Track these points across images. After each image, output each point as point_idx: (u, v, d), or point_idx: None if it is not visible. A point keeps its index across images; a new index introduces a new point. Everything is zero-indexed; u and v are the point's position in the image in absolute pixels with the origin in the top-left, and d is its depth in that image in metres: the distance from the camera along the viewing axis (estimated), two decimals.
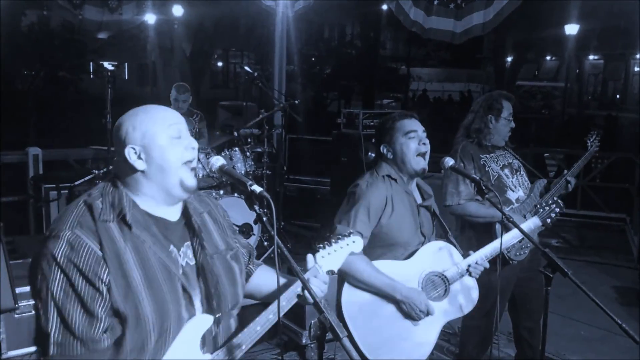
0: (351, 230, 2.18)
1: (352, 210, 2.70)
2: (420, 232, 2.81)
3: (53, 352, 1.55)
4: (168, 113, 1.76)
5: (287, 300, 1.87)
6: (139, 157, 1.68)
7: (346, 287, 2.68)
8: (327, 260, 2.00)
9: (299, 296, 1.89)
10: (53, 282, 1.55)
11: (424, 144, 2.76)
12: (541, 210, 3.30)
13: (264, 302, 1.97)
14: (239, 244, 1.97)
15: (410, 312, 2.65)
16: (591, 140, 3.87)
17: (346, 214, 2.71)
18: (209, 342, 1.76)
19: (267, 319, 1.81)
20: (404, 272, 2.71)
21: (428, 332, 2.72)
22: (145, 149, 1.68)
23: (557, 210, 3.27)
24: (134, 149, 1.68)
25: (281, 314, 1.77)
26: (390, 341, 2.66)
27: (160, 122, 1.71)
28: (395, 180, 2.80)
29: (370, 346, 2.62)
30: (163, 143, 1.69)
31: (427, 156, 2.79)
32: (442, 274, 2.77)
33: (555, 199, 3.34)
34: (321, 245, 2.02)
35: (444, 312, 2.76)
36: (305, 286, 1.67)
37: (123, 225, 1.64)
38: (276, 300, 1.75)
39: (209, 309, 1.76)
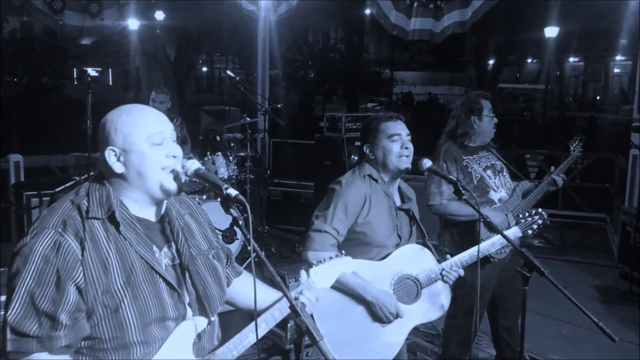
0: (343, 252, 2.20)
1: (331, 206, 2.73)
2: (397, 234, 2.82)
3: (9, 348, 1.54)
4: (153, 118, 1.72)
5: (280, 310, 1.89)
6: (118, 160, 1.66)
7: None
8: (319, 276, 2.05)
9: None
10: (24, 278, 1.54)
11: (407, 147, 2.78)
12: (523, 220, 3.30)
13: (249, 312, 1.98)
14: (218, 245, 1.97)
15: (379, 314, 2.66)
16: (574, 145, 3.94)
17: (324, 210, 2.74)
18: (201, 345, 1.76)
19: (260, 327, 1.83)
20: (376, 273, 2.72)
21: (396, 334, 2.73)
22: (124, 152, 1.66)
23: (540, 222, 3.27)
24: (114, 150, 1.66)
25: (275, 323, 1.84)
26: (356, 340, 2.67)
27: (142, 127, 1.67)
28: (376, 180, 2.82)
29: (336, 344, 2.59)
30: (143, 149, 1.66)
31: (410, 158, 2.81)
32: (415, 278, 2.78)
33: (538, 210, 3.33)
34: (315, 263, 2.07)
35: (413, 315, 2.76)
36: (281, 289, 1.67)
37: (109, 224, 1.63)
38: (268, 311, 1.83)
39: (200, 309, 1.76)
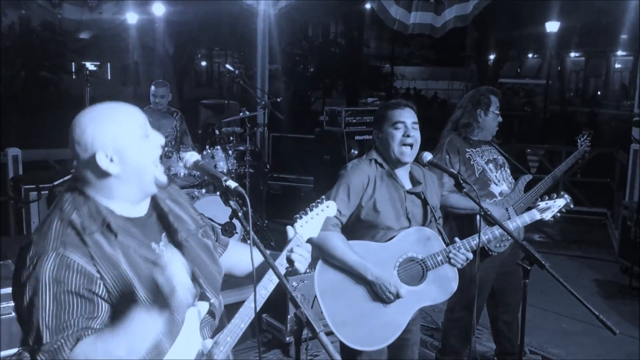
0: (323, 197, 2.21)
1: (334, 188, 2.82)
2: (405, 217, 2.82)
3: None
4: (134, 113, 1.69)
5: (270, 279, 1.86)
6: (111, 161, 1.61)
7: (320, 264, 2.73)
8: (305, 229, 2.03)
9: (287, 268, 1.91)
10: (43, 308, 1.48)
11: (409, 135, 2.77)
12: (541, 203, 3.17)
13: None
14: (204, 222, 1.95)
15: (379, 294, 2.69)
16: (582, 139, 3.93)
17: (329, 192, 2.80)
18: (207, 326, 1.77)
19: (260, 294, 1.81)
20: (380, 254, 2.74)
21: (398, 315, 2.74)
22: (117, 152, 1.61)
23: (561, 204, 3.14)
24: (104, 152, 1.60)
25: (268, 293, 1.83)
26: (357, 319, 2.70)
27: (129, 123, 1.65)
28: (381, 165, 2.85)
29: (337, 322, 2.67)
30: (135, 143, 1.64)
31: (414, 148, 2.80)
32: (420, 260, 2.78)
33: (561, 192, 3.22)
34: (298, 215, 2.05)
35: (417, 297, 2.77)
36: (281, 281, 1.66)
37: (108, 233, 1.60)
38: (265, 276, 1.82)
39: (201, 292, 1.75)
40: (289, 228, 2.02)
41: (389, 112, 2.84)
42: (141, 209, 1.73)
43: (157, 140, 1.70)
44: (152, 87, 5.84)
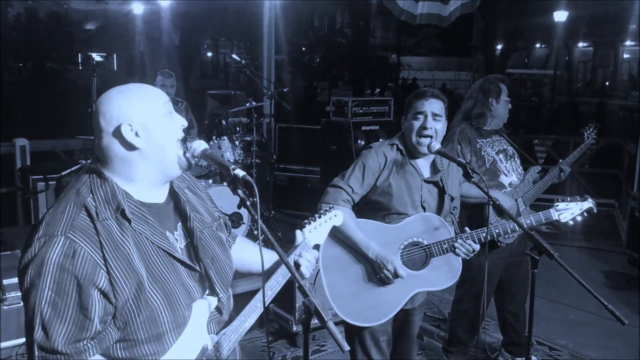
0: (331, 205, 2.24)
1: (351, 166, 2.85)
2: (420, 205, 2.83)
3: None
4: (158, 92, 1.69)
5: (283, 275, 1.88)
6: (136, 135, 1.59)
7: (326, 239, 2.72)
8: (313, 234, 2.06)
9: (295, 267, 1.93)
10: (42, 291, 1.46)
11: (425, 127, 2.76)
12: (560, 204, 2.92)
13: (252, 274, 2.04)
14: (219, 215, 1.95)
15: (378, 272, 2.72)
16: (588, 132, 3.91)
17: (347, 169, 2.85)
18: (214, 321, 1.76)
19: (270, 287, 1.84)
20: (386, 235, 2.77)
21: (396, 295, 2.77)
22: (143, 125, 1.59)
23: (583, 208, 2.90)
24: (130, 125, 1.58)
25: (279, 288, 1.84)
26: (355, 295, 2.75)
27: (155, 99, 1.65)
28: (402, 151, 2.86)
29: (334, 295, 2.73)
30: (161, 120, 1.63)
31: (433, 140, 2.76)
32: (425, 246, 2.79)
33: (585, 196, 2.94)
34: (307, 221, 2.07)
35: (417, 281, 2.78)
36: (291, 272, 1.65)
37: (122, 219, 1.57)
38: (273, 277, 1.83)
39: (211, 285, 1.74)
40: (298, 232, 2.05)
41: (412, 101, 2.85)
42: (160, 195, 1.71)
43: (180, 120, 1.69)
44: (159, 77, 5.83)
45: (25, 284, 1.49)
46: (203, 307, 1.71)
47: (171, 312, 1.59)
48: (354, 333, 2.90)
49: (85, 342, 1.49)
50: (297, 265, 1.93)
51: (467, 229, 2.82)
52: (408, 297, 2.79)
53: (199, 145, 1.71)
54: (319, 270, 2.76)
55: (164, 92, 1.74)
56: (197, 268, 1.70)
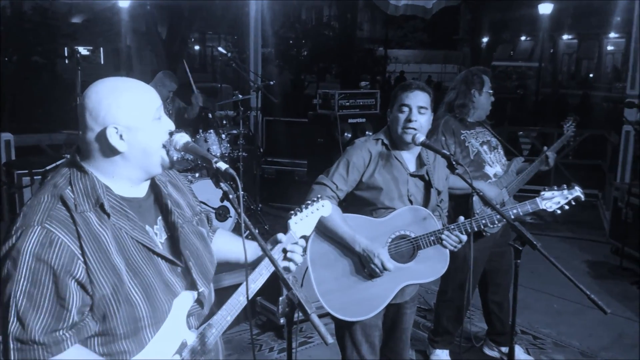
0: (319, 196, 2.22)
1: (336, 163, 2.86)
2: (407, 199, 2.84)
3: (13, 358, 1.46)
4: (152, 93, 1.66)
5: (267, 268, 1.86)
6: (121, 138, 1.57)
7: (314, 234, 2.76)
8: (300, 226, 2.03)
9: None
10: (18, 281, 1.44)
11: (410, 120, 2.76)
12: (546, 193, 2.80)
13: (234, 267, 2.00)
14: (200, 209, 1.94)
15: (366, 265, 2.73)
16: (567, 125, 3.94)
17: (331, 166, 2.85)
18: (194, 316, 1.75)
19: (253, 279, 1.83)
20: (373, 229, 2.77)
21: (384, 288, 2.78)
22: (129, 129, 1.57)
23: (571, 196, 2.78)
24: (116, 128, 1.55)
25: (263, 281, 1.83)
26: (343, 289, 2.76)
27: (146, 103, 1.62)
28: (387, 146, 2.86)
29: (323, 290, 2.74)
30: (148, 126, 1.60)
31: (417, 132, 2.76)
32: (412, 238, 2.79)
33: (571, 184, 2.81)
34: (293, 212, 2.05)
35: (405, 274, 2.79)
36: (274, 265, 1.64)
37: (101, 213, 1.55)
38: (256, 270, 1.82)
39: (192, 279, 1.72)
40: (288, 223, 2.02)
41: (398, 94, 2.85)
42: (141, 190, 1.70)
43: (168, 125, 1.67)
44: (165, 80, 5.82)
45: (2, 275, 1.48)
46: (183, 302, 1.70)
47: (150, 307, 1.59)
48: (344, 328, 2.89)
49: (62, 332, 1.49)
50: (287, 257, 1.93)
51: (461, 218, 2.75)
52: (397, 290, 2.79)
53: (181, 138, 1.67)
54: (307, 267, 2.76)
55: (158, 92, 1.73)
56: (179, 262, 1.70)
